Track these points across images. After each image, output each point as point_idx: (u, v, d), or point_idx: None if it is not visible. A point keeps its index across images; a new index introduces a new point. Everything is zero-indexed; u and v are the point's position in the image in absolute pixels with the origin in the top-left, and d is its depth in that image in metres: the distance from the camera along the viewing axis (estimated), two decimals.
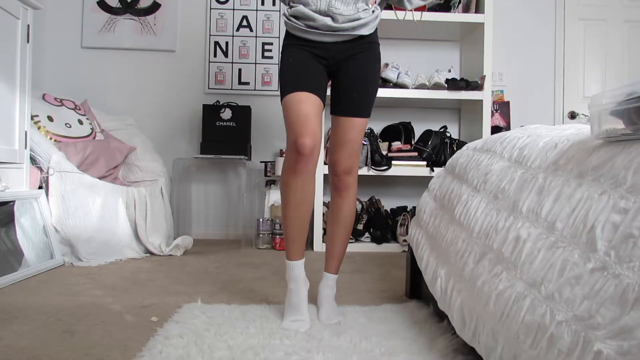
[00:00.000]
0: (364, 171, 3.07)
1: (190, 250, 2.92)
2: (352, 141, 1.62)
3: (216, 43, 3.58)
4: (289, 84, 1.54)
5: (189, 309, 1.64)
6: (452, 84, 3.14)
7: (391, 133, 3.40)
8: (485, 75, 3.17)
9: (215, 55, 3.58)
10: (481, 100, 3.17)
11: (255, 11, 3.60)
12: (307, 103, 1.49)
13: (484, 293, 1.04)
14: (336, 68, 1.60)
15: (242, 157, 3.24)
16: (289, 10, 1.57)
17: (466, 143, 2.33)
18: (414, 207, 3.30)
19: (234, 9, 3.59)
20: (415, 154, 3.19)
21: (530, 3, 3.71)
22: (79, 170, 2.58)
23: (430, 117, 3.58)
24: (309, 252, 3.02)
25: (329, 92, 1.66)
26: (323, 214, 3.15)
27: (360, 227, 3.18)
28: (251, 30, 3.60)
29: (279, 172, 1.49)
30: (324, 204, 3.25)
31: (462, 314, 1.17)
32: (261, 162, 3.49)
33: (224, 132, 3.28)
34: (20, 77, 2.39)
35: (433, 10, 3.22)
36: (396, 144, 3.25)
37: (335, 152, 1.65)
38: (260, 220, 3.19)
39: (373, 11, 1.57)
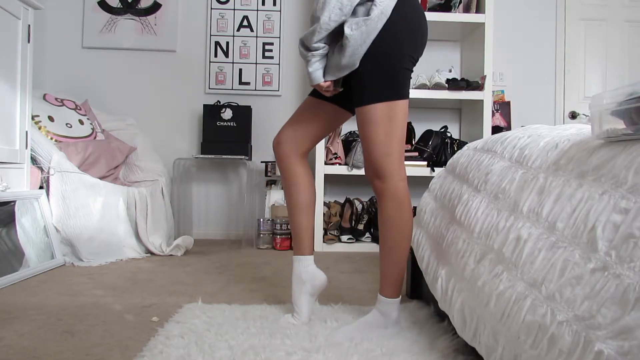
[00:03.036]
0: (363, 171, 3.07)
1: (190, 250, 2.92)
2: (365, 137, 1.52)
3: (217, 43, 3.58)
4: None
5: (189, 309, 1.64)
6: (453, 84, 3.13)
7: None
8: (485, 75, 3.17)
9: (215, 55, 3.58)
10: (482, 100, 3.17)
11: (256, 11, 3.60)
12: (308, 110, 1.58)
13: (485, 293, 1.04)
14: None
15: (243, 157, 3.25)
16: None
17: (467, 143, 2.33)
18: (415, 207, 3.29)
19: (234, 9, 3.59)
20: (416, 154, 3.19)
21: (530, 3, 3.71)
22: (79, 170, 2.59)
23: (431, 117, 3.57)
24: None
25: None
26: (323, 214, 3.16)
27: (360, 227, 3.18)
28: (252, 30, 3.59)
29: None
30: (325, 204, 3.25)
31: (462, 314, 1.17)
32: (262, 162, 3.49)
33: (224, 132, 3.28)
34: (21, 77, 2.39)
35: (433, 10, 3.22)
36: None
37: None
38: (261, 220, 3.20)
39: None
